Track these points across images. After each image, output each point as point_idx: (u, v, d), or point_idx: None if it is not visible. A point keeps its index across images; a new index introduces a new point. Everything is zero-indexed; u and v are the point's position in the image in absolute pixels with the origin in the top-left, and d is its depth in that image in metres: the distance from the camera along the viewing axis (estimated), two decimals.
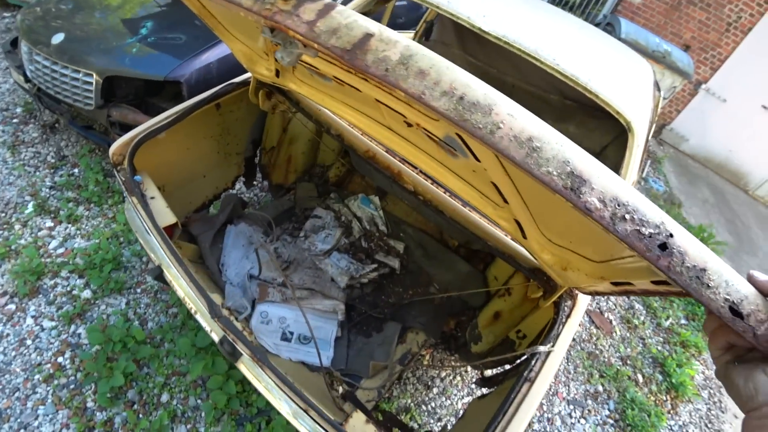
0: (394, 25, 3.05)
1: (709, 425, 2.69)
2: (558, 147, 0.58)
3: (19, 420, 1.70)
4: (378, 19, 2.76)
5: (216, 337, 1.28)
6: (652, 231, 0.54)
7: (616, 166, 1.82)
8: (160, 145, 1.57)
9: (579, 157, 0.58)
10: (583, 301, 1.40)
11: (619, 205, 0.55)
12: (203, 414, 1.80)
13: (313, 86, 1.42)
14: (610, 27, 4.89)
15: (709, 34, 5.84)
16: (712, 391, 2.94)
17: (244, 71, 1.75)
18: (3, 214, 2.32)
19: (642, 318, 3.22)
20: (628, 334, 3.04)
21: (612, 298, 3.33)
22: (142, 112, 2.15)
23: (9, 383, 1.79)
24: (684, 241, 0.55)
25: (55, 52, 2.20)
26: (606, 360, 2.77)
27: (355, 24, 0.68)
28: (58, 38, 2.24)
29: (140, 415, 1.78)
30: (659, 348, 3.03)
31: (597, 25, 5.44)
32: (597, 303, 3.20)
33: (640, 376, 2.78)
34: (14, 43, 2.68)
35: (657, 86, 1.96)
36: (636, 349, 2.96)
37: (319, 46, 0.67)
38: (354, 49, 0.66)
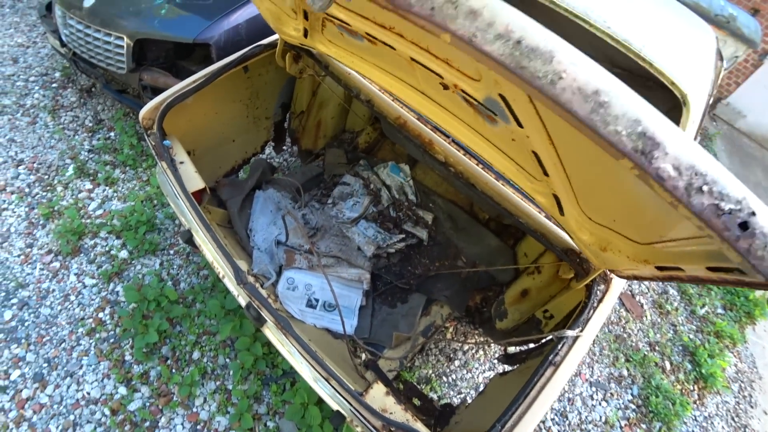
0: None
1: (736, 419, 2.60)
2: (628, 103, 0.50)
3: (65, 368, 1.83)
4: None
5: (243, 302, 1.30)
6: (732, 207, 0.47)
7: None
8: (189, 110, 1.56)
9: (652, 116, 0.50)
10: (617, 286, 1.33)
11: (696, 175, 0.47)
12: (231, 372, 1.88)
13: (342, 47, 1.36)
14: None
15: None
16: (743, 385, 2.82)
17: (273, 32, 1.70)
18: (46, 177, 2.42)
19: (675, 304, 3.09)
20: (659, 320, 2.93)
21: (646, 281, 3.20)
22: (173, 76, 2.15)
23: (56, 335, 1.92)
24: None
25: (87, 16, 2.21)
26: (633, 344, 2.69)
27: None
28: (89, 1, 2.24)
29: (173, 370, 1.87)
30: (691, 336, 2.91)
31: None
32: (629, 285, 3.08)
33: (668, 364, 2.69)
34: (49, 7, 2.70)
35: (720, 55, 1.77)
36: (666, 335, 2.85)
37: None
38: None
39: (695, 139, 1.52)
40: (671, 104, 1.97)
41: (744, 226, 0.47)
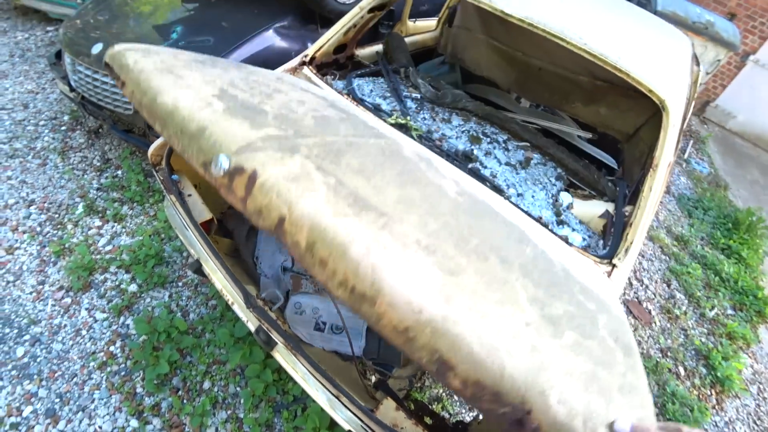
0: (417, 12, 3.01)
1: (758, 422, 2.55)
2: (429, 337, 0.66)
3: (77, 403, 1.85)
4: (400, 8, 2.73)
5: (252, 327, 1.34)
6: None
7: (651, 147, 1.74)
8: None
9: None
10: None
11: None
12: (242, 401, 1.89)
13: None
14: (645, 0, 4.63)
15: (757, 0, 5.41)
16: (761, 387, 2.78)
17: (274, 68, 1.80)
18: (56, 216, 2.50)
19: (684, 308, 3.08)
20: (668, 325, 2.92)
21: (651, 286, 3.20)
22: None
23: (68, 369, 1.94)
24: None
25: (95, 62, 2.33)
26: (644, 351, 2.68)
27: (271, 204, 0.73)
28: (97, 48, 2.37)
29: (184, 401, 1.89)
30: (703, 340, 2.89)
31: None
32: (635, 292, 3.08)
33: (681, 369, 2.66)
34: (58, 55, 2.85)
35: (696, 60, 1.86)
36: (677, 340, 2.83)
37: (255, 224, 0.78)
38: (276, 230, 0.72)
39: (679, 140, 1.59)
40: (654, 110, 2.05)
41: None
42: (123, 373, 1.95)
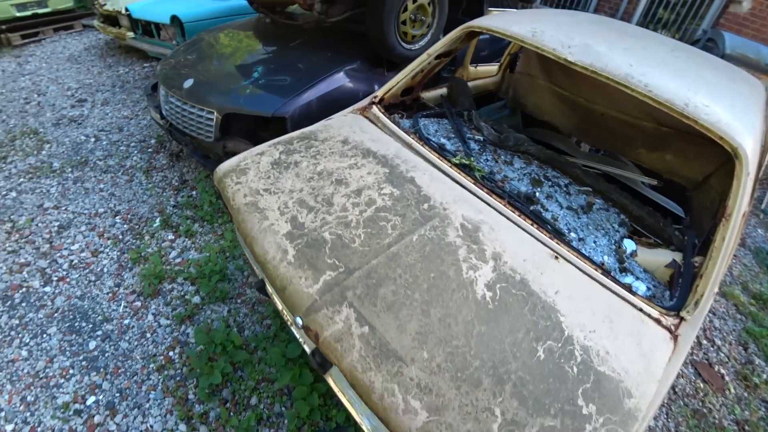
0: (477, 58, 3.14)
1: None
2: None
3: (135, 400, 1.97)
4: (462, 54, 2.85)
5: (308, 349, 1.39)
6: None
7: (722, 195, 1.65)
8: None
9: None
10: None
11: None
12: (286, 421, 1.92)
13: None
14: (711, 43, 4.47)
15: None
16: None
17: (342, 108, 1.97)
18: (137, 227, 2.77)
19: (765, 376, 2.75)
20: (745, 394, 2.61)
21: (724, 347, 2.90)
22: (252, 144, 2.47)
23: (130, 368, 2.09)
24: None
25: (185, 95, 2.64)
26: (716, 422, 2.40)
27: (329, 355, 1.17)
28: (188, 83, 2.69)
29: (231, 413, 1.95)
30: None
31: (696, 42, 5.00)
32: (705, 353, 2.81)
33: None
34: (154, 87, 3.26)
35: None
36: (757, 413, 2.52)
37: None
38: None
39: (755, 189, 1.49)
40: (725, 157, 1.95)
41: None
42: (178, 378, 2.07)
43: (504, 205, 1.56)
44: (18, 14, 6.81)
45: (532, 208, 1.69)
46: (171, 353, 2.16)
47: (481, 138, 2.06)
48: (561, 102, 2.55)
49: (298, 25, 3.11)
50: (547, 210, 1.74)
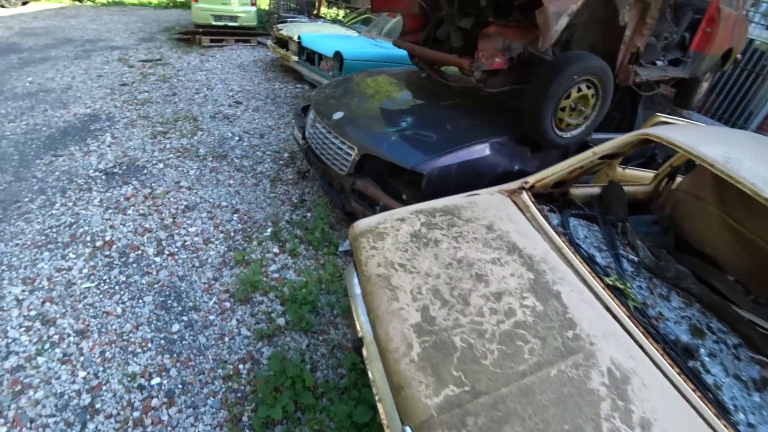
0: (626, 160, 2.89)
1: None
2: None
3: (192, 399, 1.94)
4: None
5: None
6: None
7: None
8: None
9: None
10: None
11: None
12: None
13: None
14: None
15: None
16: None
17: (479, 179, 1.87)
18: (249, 230, 2.92)
19: None
20: None
21: None
22: (381, 189, 2.49)
23: (200, 364, 2.09)
24: None
25: (332, 125, 2.78)
26: None
27: None
28: (338, 115, 2.84)
29: None
30: None
31: None
32: None
33: None
34: (304, 110, 3.53)
35: None
36: None
37: None
38: None
39: None
40: None
41: None
42: (239, 395, 2.01)
43: (660, 353, 1.29)
44: (214, 23, 8.25)
45: (690, 364, 1.38)
46: (241, 366, 2.13)
47: (636, 259, 1.80)
48: (734, 238, 2.17)
49: (452, 86, 3.19)
50: (708, 372, 1.41)
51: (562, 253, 1.59)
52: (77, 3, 14.10)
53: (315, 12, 11.65)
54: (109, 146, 3.86)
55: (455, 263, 1.50)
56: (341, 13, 12.05)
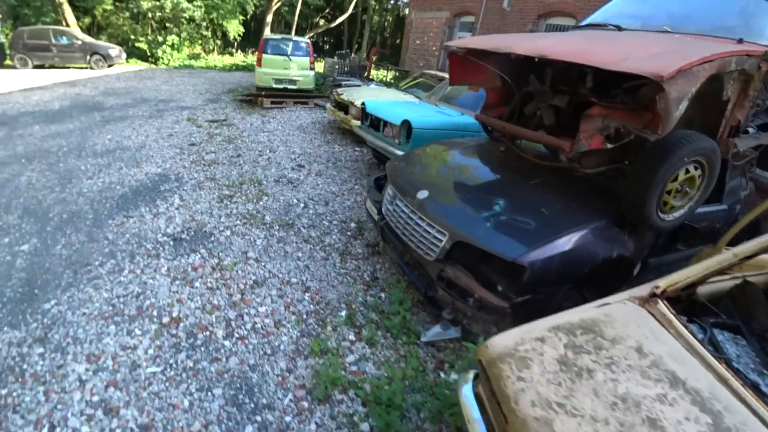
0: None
1: None
2: None
3: None
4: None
5: None
6: None
7: None
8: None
9: None
10: None
11: None
12: None
13: None
14: None
15: None
16: None
17: (579, 269, 1.62)
18: (322, 312, 2.74)
19: None
20: None
21: None
22: (474, 279, 2.28)
23: None
24: None
25: (417, 206, 2.64)
26: None
27: None
28: (422, 195, 2.71)
29: None
30: None
31: None
32: None
33: None
34: (377, 182, 3.45)
35: None
36: None
37: None
38: None
39: None
40: None
41: None
42: None
43: None
44: (275, 86, 8.77)
45: None
46: None
47: None
48: None
49: (538, 163, 3.02)
50: None
51: (730, 386, 1.31)
52: (153, 66, 15.65)
53: (366, 74, 12.27)
54: (177, 209, 3.92)
55: (620, 402, 1.24)
56: (389, 74, 12.63)
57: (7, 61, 13.33)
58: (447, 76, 7.31)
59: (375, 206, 3.17)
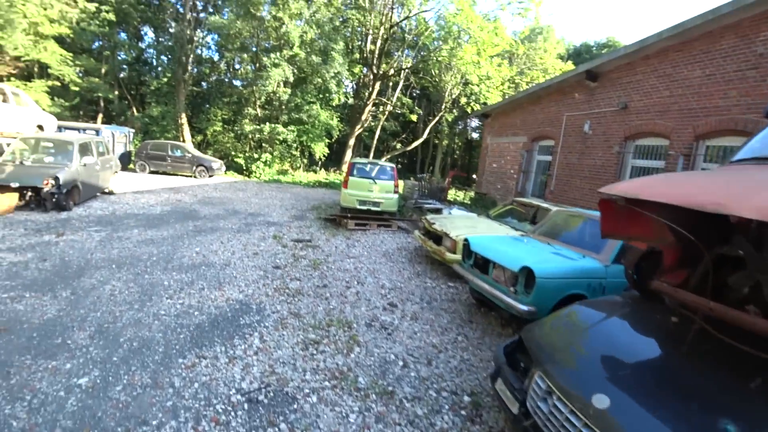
0: None
1: None
2: None
3: None
4: None
5: None
6: None
7: None
8: None
9: None
10: None
11: None
12: None
13: None
14: None
15: None
16: None
17: None
18: None
19: None
20: None
21: None
22: None
23: None
24: None
25: (595, 420, 1.80)
26: None
27: None
28: (602, 402, 1.86)
29: None
30: None
31: None
32: None
33: None
34: (509, 356, 2.63)
35: None
36: None
37: None
38: None
39: None
40: None
41: None
42: None
43: None
44: (359, 207, 8.84)
45: None
46: None
47: None
48: None
49: (744, 349, 2.07)
50: None
51: None
52: (246, 178, 17.41)
53: (443, 195, 12.34)
54: (256, 354, 3.35)
55: None
56: (465, 196, 12.58)
57: (131, 166, 15.72)
58: (538, 203, 6.81)
59: (512, 394, 2.35)
